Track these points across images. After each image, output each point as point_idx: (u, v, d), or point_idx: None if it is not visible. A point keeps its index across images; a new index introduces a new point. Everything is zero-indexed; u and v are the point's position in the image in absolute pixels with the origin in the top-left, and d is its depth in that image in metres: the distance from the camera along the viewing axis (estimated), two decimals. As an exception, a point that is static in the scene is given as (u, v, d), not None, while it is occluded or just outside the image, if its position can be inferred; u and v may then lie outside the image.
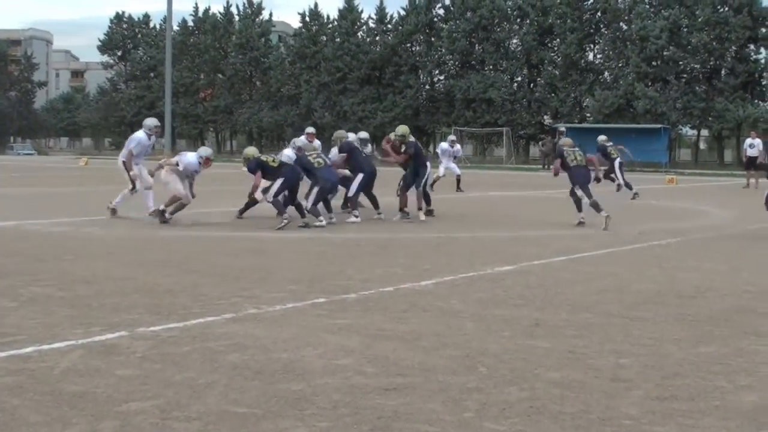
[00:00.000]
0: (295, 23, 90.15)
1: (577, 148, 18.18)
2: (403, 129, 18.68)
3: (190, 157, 17.25)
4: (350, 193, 18.06)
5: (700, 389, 5.81)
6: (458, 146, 33.02)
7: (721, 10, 66.74)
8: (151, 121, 18.98)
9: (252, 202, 17.75)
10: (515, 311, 8.39)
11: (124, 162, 18.47)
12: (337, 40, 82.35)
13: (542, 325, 7.76)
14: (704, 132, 71.11)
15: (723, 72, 68.30)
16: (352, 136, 20.29)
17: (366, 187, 18.51)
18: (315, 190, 16.86)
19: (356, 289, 9.48)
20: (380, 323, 7.72)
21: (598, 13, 73.35)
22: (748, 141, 37.25)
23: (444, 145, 31.86)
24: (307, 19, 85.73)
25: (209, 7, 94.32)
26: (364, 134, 21.32)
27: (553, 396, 5.60)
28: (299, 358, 6.47)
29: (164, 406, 5.27)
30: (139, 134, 18.50)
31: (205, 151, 17.83)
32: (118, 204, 18.05)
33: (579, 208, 17.24)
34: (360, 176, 18.10)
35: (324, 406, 5.32)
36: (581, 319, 8.06)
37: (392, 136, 18.70)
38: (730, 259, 12.77)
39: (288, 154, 18.23)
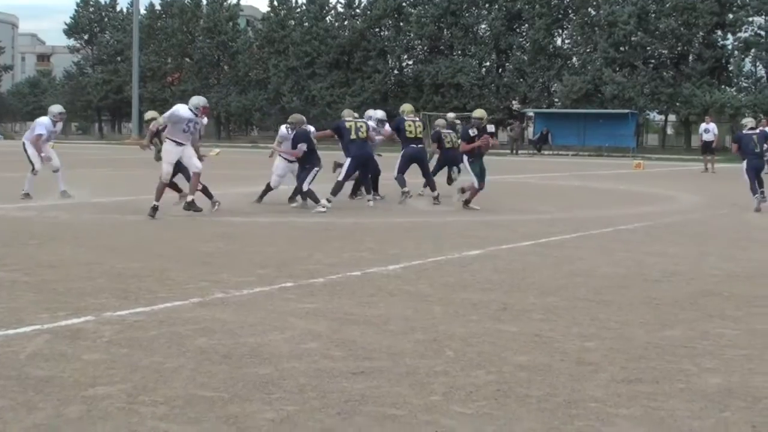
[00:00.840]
0: (263, 7, 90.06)
1: (452, 131, 19.88)
2: (481, 112, 18.25)
3: (180, 110, 15.42)
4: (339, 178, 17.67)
5: (665, 372, 5.85)
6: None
7: (689, -5, 66.99)
8: (55, 108, 19.35)
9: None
10: (483, 295, 8.41)
11: (24, 143, 19.04)
12: (306, 24, 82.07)
13: (509, 309, 7.78)
14: (672, 117, 71.40)
15: (690, 58, 68.56)
16: (371, 113, 20.33)
17: (360, 172, 18.21)
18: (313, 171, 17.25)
19: (324, 274, 9.48)
20: (348, 307, 7.72)
21: (567, -1, 73.53)
22: (703, 126, 37.75)
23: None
24: (276, 3, 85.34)
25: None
26: (380, 113, 21.04)
27: (520, 379, 5.62)
28: (266, 342, 6.47)
29: (131, 391, 5.25)
30: (45, 120, 18.89)
31: (197, 99, 15.86)
32: (28, 189, 18.21)
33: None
34: (348, 161, 17.44)
35: (291, 390, 5.32)
36: (548, 302, 8.09)
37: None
38: (696, 244, 12.84)
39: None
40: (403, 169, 18.66)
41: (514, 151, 60.60)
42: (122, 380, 5.46)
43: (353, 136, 17.20)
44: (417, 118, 19.50)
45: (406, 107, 19.27)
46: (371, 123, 18.99)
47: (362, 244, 12.07)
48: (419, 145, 18.88)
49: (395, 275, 9.57)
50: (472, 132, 17.23)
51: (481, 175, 17.12)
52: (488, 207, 17.56)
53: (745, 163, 17.94)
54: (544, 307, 7.86)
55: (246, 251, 11.29)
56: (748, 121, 18.85)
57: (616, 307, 7.97)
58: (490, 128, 46.70)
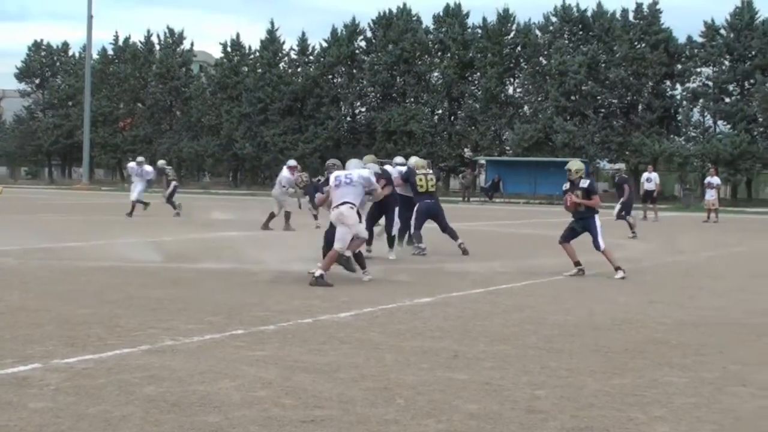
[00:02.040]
0: (217, 53, 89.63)
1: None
2: (577, 164, 15.69)
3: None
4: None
5: (615, 420, 5.88)
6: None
7: (638, 46, 67.79)
8: None
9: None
10: (433, 343, 8.42)
11: None
12: (259, 70, 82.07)
13: (460, 356, 7.80)
14: (621, 165, 72.03)
15: (640, 107, 69.31)
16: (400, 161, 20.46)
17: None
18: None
19: (275, 321, 9.46)
20: (298, 355, 7.70)
21: (518, 48, 74.05)
22: (645, 175, 38.24)
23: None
24: (229, 49, 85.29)
25: (129, 35, 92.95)
26: (399, 159, 20.98)
27: (470, 427, 5.63)
28: (216, 390, 6.43)
29: (78, 440, 5.20)
30: None
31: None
32: None
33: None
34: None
35: (241, 439, 5.30)
36: (499, 350, 8.11)
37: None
38: (645, 292, 12.93)
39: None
40: (419, 225, 18.45)
41: (466, 199, 60.85)
42: (69, 429, 5.40)
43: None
44: (430, 171, 19.15)
45: (417, 162, 19.04)
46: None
47: (313, 291, 12.02)
48: (432, 200, 18.63)
49: (346, 323, 9.56)
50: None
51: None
52: (440, 254, 17.60)
53: None
54: (495, 355, 7.87)
55: (197, 298, 11.23)
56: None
57: (566, 355, 8.00)
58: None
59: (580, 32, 71.73)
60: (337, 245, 13.26)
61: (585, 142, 64.68)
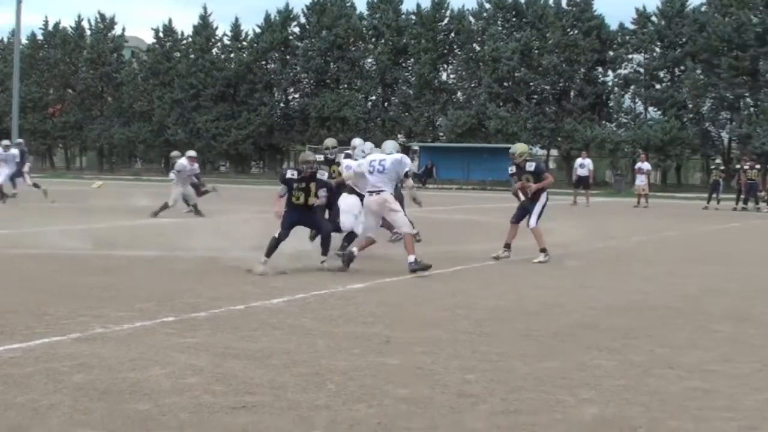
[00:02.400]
0: (149, 39, 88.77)
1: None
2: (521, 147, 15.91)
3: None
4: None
5: (544, 403, 5.94)
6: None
7: (571, 33, 68.23)
8: None
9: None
10: (366, 328, 8.44)
11: None
12: (191, 56, 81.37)
13: (392, 342, 7.82)
14: (554, 152, 72.51)
15: (572, 93, 69.80)
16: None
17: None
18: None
19: (206, 308, 9.42)
20: (230, 341, 7.68)
21: (452, 34, 74.17)
22: (579, 161, 38.66)
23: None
24: (161, 34, 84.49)
25: (60, 20, 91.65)
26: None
27: (401, 412, 5.65)
28: (146, 377, 6.40)
29: (5, 430, 5.15)
30: None
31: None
32: None
33: None
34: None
35: (171, 426, 5.28)
36: (430, 335, 8.15)
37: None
38: (575, 276, 13.06)
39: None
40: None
41: (399, 185, 60.88)
42: (-4, 418, 5.35)
43: None
44: None
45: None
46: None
47: (246, 277, 11.98)
48: None
49: (278, 309, 9.55)
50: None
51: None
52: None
53: None
54: (426, 340, 7.91)
55: (127, 285, 11.16)
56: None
57: (496, 339, 8.06)
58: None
59: (514, 19, 72.00)
60: (405, 229, 13.60)
61: (518, 129, 65.00)
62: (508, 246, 15.15)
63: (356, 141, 16.70)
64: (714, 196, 38.15)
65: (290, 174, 13.44)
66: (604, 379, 6.67)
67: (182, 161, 24.20)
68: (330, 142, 17.39)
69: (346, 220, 14.86)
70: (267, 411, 5.62)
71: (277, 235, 13.09)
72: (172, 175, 24.54)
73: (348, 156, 16.07)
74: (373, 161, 13.93)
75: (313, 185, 13.36)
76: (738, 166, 39.83)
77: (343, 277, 12.11)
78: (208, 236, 17.05)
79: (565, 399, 6.07)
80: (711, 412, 5.83)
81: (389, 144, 14.53)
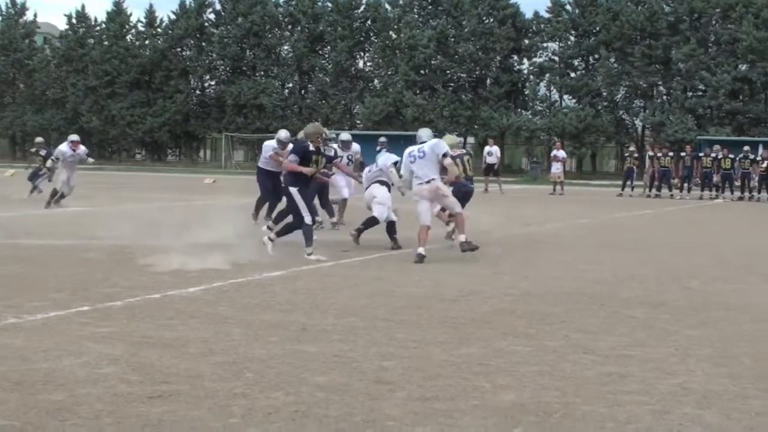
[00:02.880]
0: (62, 25, 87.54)
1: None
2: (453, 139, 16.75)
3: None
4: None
5: (461, 389, 5.98)
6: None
7: (487, 21, 68.62)
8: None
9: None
10: (283, 316, 8.42)
11: None
12: (105, 43, 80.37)
13: (309, 329, 7.82)
14: (470, 139, 72.93)
15: (488, 81, 70.22)
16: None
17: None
18: None
19: (122, 297, 9.33)
20: (146, 330, 7.62)
21: (368, 22, 74.17)
22: (487, 149, 39.08)
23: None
24: (74, 21, 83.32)
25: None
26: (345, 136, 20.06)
27: (318, 400, 5.65)
28: (61, 367, 6.32)
29: None
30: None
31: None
32: None
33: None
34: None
35: (86, 416, 5.22)
36: (348, 323, 8.15)
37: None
38: (492, 264, 13.15)
39: None
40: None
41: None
42: None
43: None
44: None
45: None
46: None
47: (161, 266, 11.82)
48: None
49: (195, 297, 9.49)
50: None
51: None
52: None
53: None
54: (344, 328, 7.92)
55: (41, 275, 11.00)
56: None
57: (414, 326, 8.09)
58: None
59: (430, 7, 72.19)
60: (457, 208, 14.10)
61: (435, 116, 65.22)
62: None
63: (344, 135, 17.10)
64: (628, 183, 38.66)
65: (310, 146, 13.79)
66: (520, 364, 6.73)
67: (62, 147, 23.27)
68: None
69: (380, 212, 15.45)
70: (183, 400, 5.58)
71: (311, 222, 13.54)
72: (50, 164, 23.73)
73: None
74: (411, 151, 14.48)
75: (321, 158, 13.90)
76: (651, 154, 40.38)
77: (260, 266, 12.05)
78: (123, 225, 16.86)
79: (482, 385, 6.11)
80: (625, 396, 5.91)
81: (425, 131, 15.15)
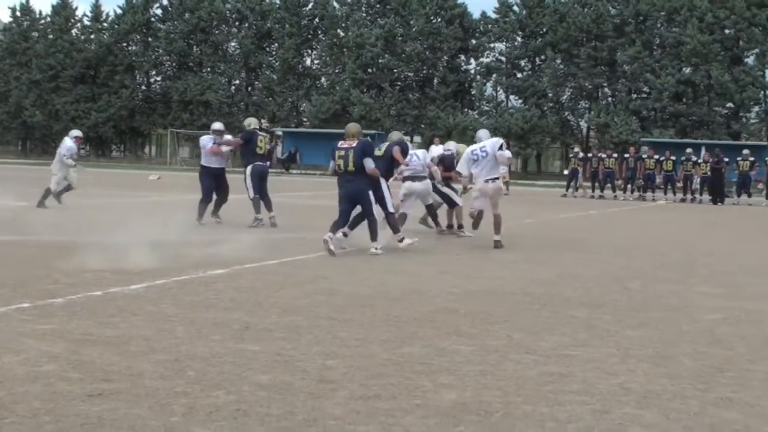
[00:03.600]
0: (5, 17, 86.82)
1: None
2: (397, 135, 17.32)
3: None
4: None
5: (403, 388, 5.99)
6: None
7: (435, 20, 68.94)
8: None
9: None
10: (225, 315, 8.38)
11: None
12: (50, 36, 79.81)
13: (252, 328, 7.79)
14: (417, 138, 73.08)
15: (435, 81, 70.55)
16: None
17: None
18: None
19: (63, 294, 9.24)
20: (87, 328, 7.55)
21: (316, 20, 74.24)
22: (432, 148, 39.07)
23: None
24: (18, 13, 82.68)
25: None
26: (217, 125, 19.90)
27: (260, 398, 5.64)
28: (-1, 365, 6.26)
29: None
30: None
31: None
32: None
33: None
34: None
35: (24, 414, 5.17)
36: (291, 321, 8.14)
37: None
38: (436, 263, 13.18)
39: None
40: (257, 188, 18.12)
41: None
42: None
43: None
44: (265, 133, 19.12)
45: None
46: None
47: (104, 263, 11.69)
48: (265, 163, 18.75)
49: (137, 295, 9.42)
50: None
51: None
52: (235, 225, 17.52)
53: None
54: (287, 326, 7.90)
55: (-19, 270, 10.88)
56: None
57: (357, 325, 8.09)
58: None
59: (378, 5, 72.41)
60: (497, 210, 15.87)
61: (381, 115, 65.40)
62: (460, 227, 17.83)
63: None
64: (573, 183, 38.97)
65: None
66: (463, 364, 6.75)
67: (70, 143, 22.87)
68: (250, 120, 19.01)
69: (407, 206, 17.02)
70: (124, 398, 5.54)
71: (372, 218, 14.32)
72: (71, 163, 22.83)
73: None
74: (474, 150, 15.71)
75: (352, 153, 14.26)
76: (590, 155, 40.75)
77: (203, 263, 12.00)
78: (64, 221, 16.73)
79: (424, 384, 6.13)
80: (566, 396, 5.95)
81: (484, 132, 16.82)
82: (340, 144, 14.50)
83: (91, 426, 5.02)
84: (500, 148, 15.73)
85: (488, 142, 15.79)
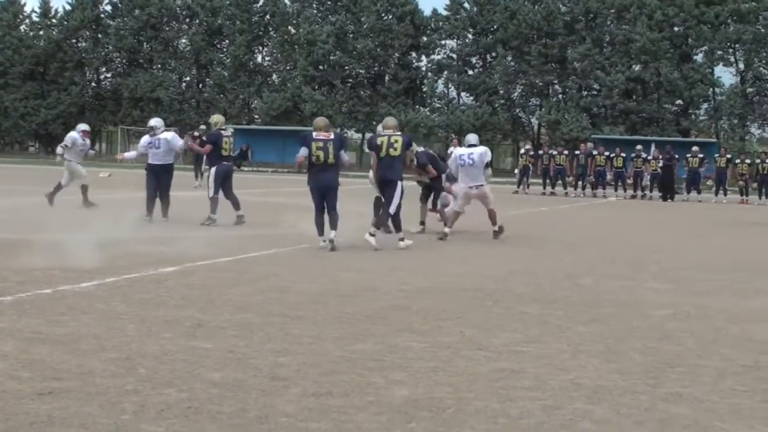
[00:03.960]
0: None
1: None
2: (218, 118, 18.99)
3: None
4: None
5: (355, 385, 5.99)
6: None
7: (386, 17, 68.98)
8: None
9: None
10: (177, 312, 8.35)
11: None
12: (-2, 33, 79.18)
13: (204, 325, 7.76)
14: (369, 135, 73.26)
15: (387, 78, 70.63)
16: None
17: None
18: None
19: (12, 292, 9.15)
20: (36, 326, 7.49)
21: (267, 16, 74.05)
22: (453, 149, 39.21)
23: None
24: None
25: None
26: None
27: (212, 396, 5.62)
28: (-53, 364, 6.19)
29: None
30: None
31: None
32: None
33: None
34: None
35: (-27, 414, 5.12)
36: (243, 319, 8.11)
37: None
38: (388, 260, 13.19)
39: None
40: (217, 189, 18.04)
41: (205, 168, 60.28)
42: None
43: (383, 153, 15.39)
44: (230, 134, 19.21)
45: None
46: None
47: (52, 260, 11.60)
48: (230, 163, 18.90)
49: (87, 293, 9.35)
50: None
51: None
52: (182, 222, 17.45)
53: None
54: (239, 324, 7.88)
55: (-72, 269, 10.75)
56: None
57: (310, 322, 8.08)
58: None
59: (329, 2, 72.42)
60: (492, 206, 16.82)
61: (333, 112, 65.33)
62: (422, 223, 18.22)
63: None
64: (524, 180, 39.15)
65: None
66: (415, 361, 6.76)
67: (73, 134, 22.41)
68: (217, 118, 19.36)
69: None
70: (74, 397, 5.50)
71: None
72: (59, 151, 22.40)
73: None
74: (462, 155, 16.61)
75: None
76: (541, 152, 41.00)
77: (154, 261, 11.93)
78: (12, 218, 16.58)
79: (377, 381, 6.13)
80: (517, 392, 5.97)
81: (473, 136, 17.39)
82: (316, 135, 14.65)
83: (41, 425, 4.98)
84: (487, 165, 16.74)
85: (477, 152, 16.49)
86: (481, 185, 16.67)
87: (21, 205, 20.97)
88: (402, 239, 14.97)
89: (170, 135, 19.09)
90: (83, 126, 23.19)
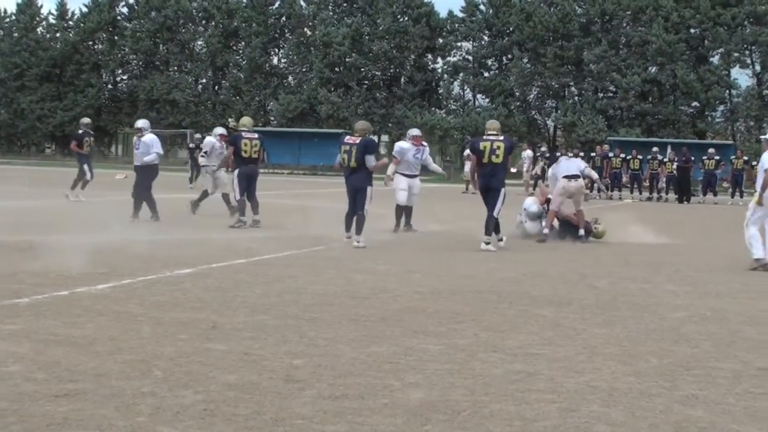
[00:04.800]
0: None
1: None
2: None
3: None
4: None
5: (370, 387, 5.99)
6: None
7: (402, 20, 68.96)
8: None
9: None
10: (193, 314, 8.36)
11: None
12: (15, 35, 79.24)
13: (219, 327, 7.77)
14: (384, 137, 73.11)
15: (402, 80, 70.57)
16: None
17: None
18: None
19: (29, 293, 9.18)
20: (53, 328, 7.51)
21: (283, 18, 74.08)
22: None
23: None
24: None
25: None
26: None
27: (228, 398, 5.62)
28: (-36, 366, 6.21)
29: None
30: None
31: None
32: None
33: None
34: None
35: (-11, 415, 5.14)
36: (258, 321, 8.12)
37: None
38: (403, 262, 13.18)
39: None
40: (243, 190, 18.03)
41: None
42: None
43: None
44: (255, 136, 19.10)
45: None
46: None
47: (70, 262, 11.64)
48: (255, 165, 18.82)
49: (104, 295, 9.38)
50: None
51: None
52: (199, 224, 17.47)
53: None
54: (254, 326, 7.89)
55: (-55, 270, 10.79)
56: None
57: (325, 324, 8.09)
58: None
59: (345, 4, 72.34)
60: (580, 206, 17.73)
61: (349, 114, 65.36)
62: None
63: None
64: (539, 183, 39.09)
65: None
66: (430, 363, 6.76)
67: (210, 139, 22.39)
68: (244, 120, 19.71)
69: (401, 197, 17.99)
70: (90, 398, 5.52)
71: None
72: (202, 161, 22.12)
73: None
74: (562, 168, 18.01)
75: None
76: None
77: (170, 263, 11.96)
78: (31, 220, 16.62)
79: (392, 383, 6.13)
80: (532, 395, 5.97)
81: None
82: (347, 139, 15.23)
83: (57, 426, 4.99)
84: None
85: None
86: (578, 177, 17.71)
87: (38, 207, 21.01)
88: (488, 243, 15.14)
89: (149, 138, 19.12)
90: (220, 130, 22.95)
